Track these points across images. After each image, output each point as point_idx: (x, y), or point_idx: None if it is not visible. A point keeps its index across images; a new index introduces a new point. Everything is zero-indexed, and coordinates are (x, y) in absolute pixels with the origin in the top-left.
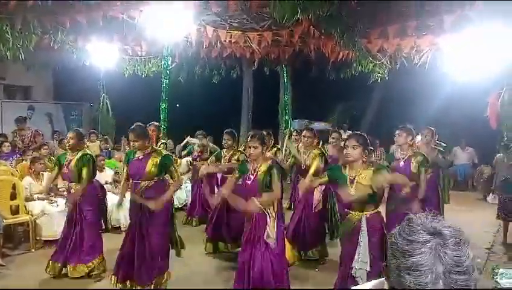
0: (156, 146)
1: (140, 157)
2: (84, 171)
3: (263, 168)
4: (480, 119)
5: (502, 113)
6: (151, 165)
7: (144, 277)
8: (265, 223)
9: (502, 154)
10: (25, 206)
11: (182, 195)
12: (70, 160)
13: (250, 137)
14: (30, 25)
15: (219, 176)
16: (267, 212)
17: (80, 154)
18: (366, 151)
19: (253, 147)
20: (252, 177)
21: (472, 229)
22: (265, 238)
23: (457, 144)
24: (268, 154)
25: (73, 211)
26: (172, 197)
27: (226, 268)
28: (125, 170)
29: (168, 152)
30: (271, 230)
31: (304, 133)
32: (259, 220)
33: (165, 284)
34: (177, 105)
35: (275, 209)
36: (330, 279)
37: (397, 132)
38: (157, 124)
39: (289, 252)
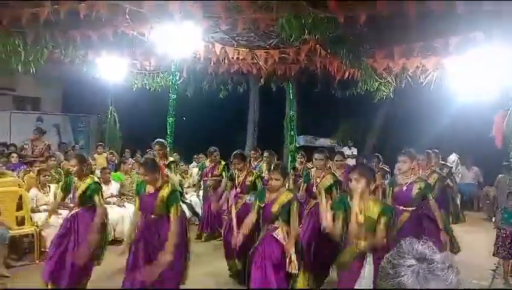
0: (166, 162)
1: (150, 193)
2: (96, 199)
3: (283, 198)
4: (485, 139)
5: (507, 133)
6: (159, 200)
7: None
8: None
9: (504, 174)
10: (31, 218)
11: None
12: (79, 186)
13: (273, 169)
14: (42, 40)
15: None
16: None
17: (88, 181)
18: (372, 181)
19: (275, 179)
20: (268, 205)
21: (477, 250)
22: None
23: (462, 163)
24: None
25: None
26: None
27: None
28: (137, 202)
29: (177, 187)
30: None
31: (315, 156)
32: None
33: None
34: (184, 118)
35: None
36: None
37: (401, 158)
38: (161, 141)
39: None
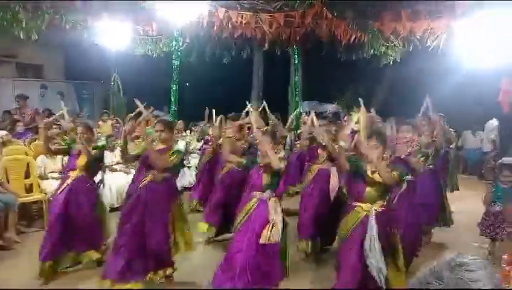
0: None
1: (159, 148)
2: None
3: (273, 169)
4: (492, 104)
5: None
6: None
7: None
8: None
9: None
10: (39, 185)
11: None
12: (80, 151)
13: (263, 133)
14: (42, 5)
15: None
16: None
17: (96, 151)
18: (386, 148)
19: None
20: (262, 175)
21: (480, 215)
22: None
23: (467, 128)
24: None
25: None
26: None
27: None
28: (141, 149)
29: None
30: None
31: (319, 123)
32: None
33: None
34: (187, 84)
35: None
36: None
37: (404, 128)
38: (167, 118)
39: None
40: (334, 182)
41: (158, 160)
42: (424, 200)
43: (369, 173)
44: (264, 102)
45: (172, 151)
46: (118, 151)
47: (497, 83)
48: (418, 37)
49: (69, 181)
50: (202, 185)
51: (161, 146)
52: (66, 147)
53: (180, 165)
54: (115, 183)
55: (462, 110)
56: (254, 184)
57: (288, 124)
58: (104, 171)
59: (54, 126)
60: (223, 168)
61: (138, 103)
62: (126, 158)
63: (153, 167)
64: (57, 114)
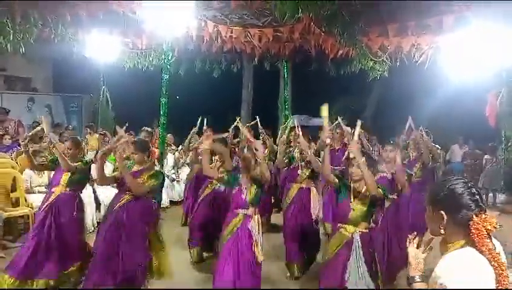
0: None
1: (135, 171)
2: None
3: (254, 187)
4: (479, 117)
5: (500, 112)
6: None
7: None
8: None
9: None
10: (25, 199)
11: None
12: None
13: (246, 148)
14: (31, 18)
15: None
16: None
17: (81, 164)
18: (371, 168)
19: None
20: (246, 191)
21: None
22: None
23: (455, 141)
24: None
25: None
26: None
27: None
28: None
29: (161, 172)
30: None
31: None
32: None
33: None
34: (177, 97)
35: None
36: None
37: (389, 147)
38: (149, 129)
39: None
40: (315, 203)
41: (133, 186)
42: (414, 210)
43: (352, 195)
44: (257, 118)
45: (150, 174)
46: (107, 166)
47: (483, 96)
48: (405, 52)
49: (52, 198)
50: (191, 201)
51: (136, 168)
52: (50, 162)
53: (159, 188)
54: (106, 197)
55: (449, 124)
56: (237, 202)
57: (279, 137)
58: (92, 185)
59: (44, 140)
60: (207, 187)
61: (120, 130)
62: (102, 178)
63: (130, 190)
64: (36, 129)
